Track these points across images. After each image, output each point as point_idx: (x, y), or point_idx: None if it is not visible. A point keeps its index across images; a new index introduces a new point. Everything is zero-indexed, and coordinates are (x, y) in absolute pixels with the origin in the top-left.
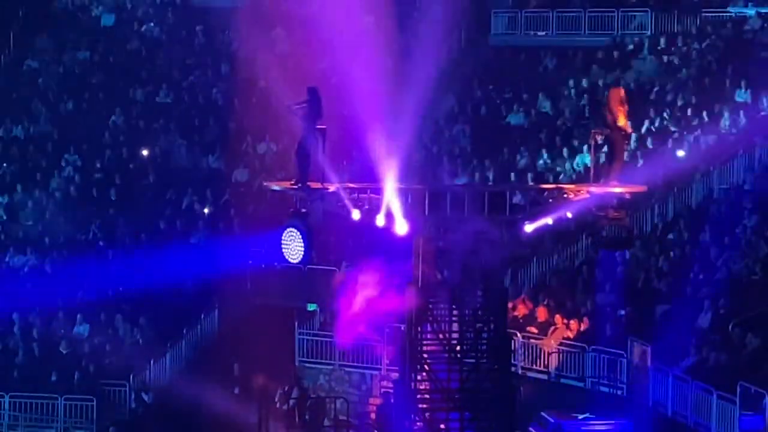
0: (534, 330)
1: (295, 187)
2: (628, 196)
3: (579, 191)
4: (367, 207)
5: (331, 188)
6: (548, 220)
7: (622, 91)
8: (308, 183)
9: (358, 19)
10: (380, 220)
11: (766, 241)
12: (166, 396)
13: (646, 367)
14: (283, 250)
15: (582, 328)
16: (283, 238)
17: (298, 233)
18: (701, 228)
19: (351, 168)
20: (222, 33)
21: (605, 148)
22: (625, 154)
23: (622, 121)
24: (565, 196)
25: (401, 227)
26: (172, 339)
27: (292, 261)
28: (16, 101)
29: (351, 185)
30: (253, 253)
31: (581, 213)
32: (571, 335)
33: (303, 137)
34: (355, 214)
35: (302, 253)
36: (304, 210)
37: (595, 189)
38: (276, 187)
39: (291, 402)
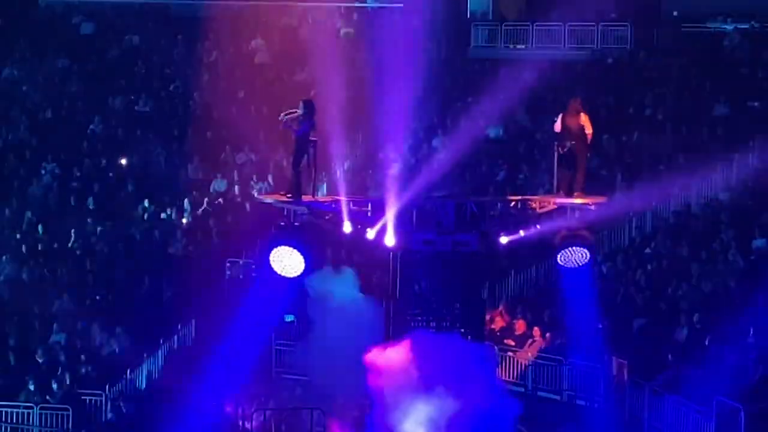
0: (511, 343)
1: (289, 200)
2: (592, 208)
3: (545, 203)
4: (354, 220)
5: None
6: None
7: (578, 102)
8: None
9: (337, 31)
10: (371, 234)
11: (743, 256)
12: (144, 406)
13: (623, 380)
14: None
15: (560, 341)
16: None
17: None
18: (679, 242)
19: (330, 181)
20: (202, 43)
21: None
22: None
23: (586, 130)
24: (531, 207)
25: (389, 240)
26: (149, 349)
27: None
28: None
29: (342, 198)
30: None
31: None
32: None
33: (297, 150)
34: (347, 227)
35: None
36: (297, 223)
37: (559, 200)
38: (268, 200)
39: (267, 413)
